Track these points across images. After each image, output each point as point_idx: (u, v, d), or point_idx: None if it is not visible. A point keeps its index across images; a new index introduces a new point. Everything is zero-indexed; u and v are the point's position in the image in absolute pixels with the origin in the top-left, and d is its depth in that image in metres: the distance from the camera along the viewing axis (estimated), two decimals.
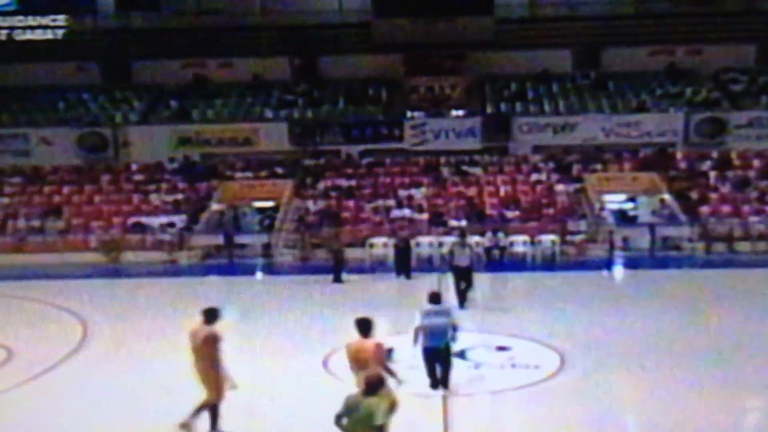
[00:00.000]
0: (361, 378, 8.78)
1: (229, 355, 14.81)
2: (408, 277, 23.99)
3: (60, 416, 11.82)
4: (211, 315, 10.75)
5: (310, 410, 11.77)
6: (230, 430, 10.95)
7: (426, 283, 19.16)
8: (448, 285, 18.16)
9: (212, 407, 10.73)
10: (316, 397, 12.32)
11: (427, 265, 25.83)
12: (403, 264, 24.53)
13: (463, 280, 18.95)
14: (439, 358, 12.52)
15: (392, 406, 8.92)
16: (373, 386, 8.30)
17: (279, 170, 34.52)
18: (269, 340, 16.14)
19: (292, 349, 15.42)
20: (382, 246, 27.82)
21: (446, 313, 12.86)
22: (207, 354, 10.58)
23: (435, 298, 13.11)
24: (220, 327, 10.77)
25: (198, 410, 10.70)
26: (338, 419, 8.35)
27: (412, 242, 26.41)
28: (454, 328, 12.69)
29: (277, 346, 15.59)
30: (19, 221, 31.35)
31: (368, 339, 9.98)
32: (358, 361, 9.73)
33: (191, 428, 10.69)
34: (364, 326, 10.04)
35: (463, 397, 11.96)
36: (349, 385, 12.31)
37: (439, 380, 12.70)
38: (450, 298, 15.74)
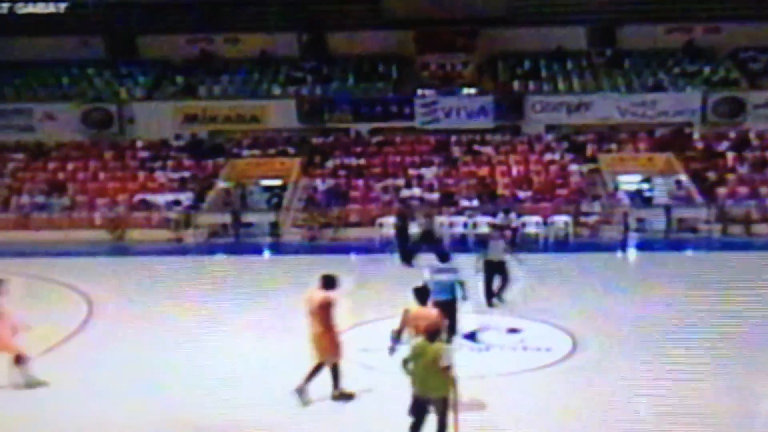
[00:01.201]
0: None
1: (238, 335, 15.07)
2: (408, 262, 22.69)
3: (63, 394, 11.87)
4: (328, 281, 11.47)
5: (320, 392, 11.82)
6: (249, 412, 11.09)
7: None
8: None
9: (333, 368, 11.50)
10: (326, 379, 12.37)
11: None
12: (403, 246, 23.61)
13: (498, 274, 17.02)
14: (445, 311, 12.68)
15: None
16: (436, 333, 9.47)
17: (287, 148, 34.50)
18: (277, 321, 16.13)
19: (300, 329, 15.34)
20: (393, 226, 27.76)
21: (453, 271, 14.05)
22: (322, 317, 11.29)
23: (443, 256, 14.52)
24: (333, 294, 11.40)
25: (312, 374, 11.40)
26: (405, 363, 9.50)
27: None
28: (462, 285, 13.86)
29: (285, 327, 15.54)
30: (23, 197, 31.44)
31: (427, 307, 10.92)
32: (416, 328, 10.46)
33: (305, 392, 11.35)
34: (422, 294, 10.94)
35: (473, 380, 11.93)
36: (360, 367, 12.51)
37: (447, 330, 12.85)
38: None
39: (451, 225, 27.74)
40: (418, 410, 9.46)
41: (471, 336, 14.70)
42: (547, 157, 33.13)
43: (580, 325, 15.16)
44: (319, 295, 11.41)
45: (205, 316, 16.72)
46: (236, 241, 28.73)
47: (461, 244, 26.58)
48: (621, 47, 38.18)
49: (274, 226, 29.47)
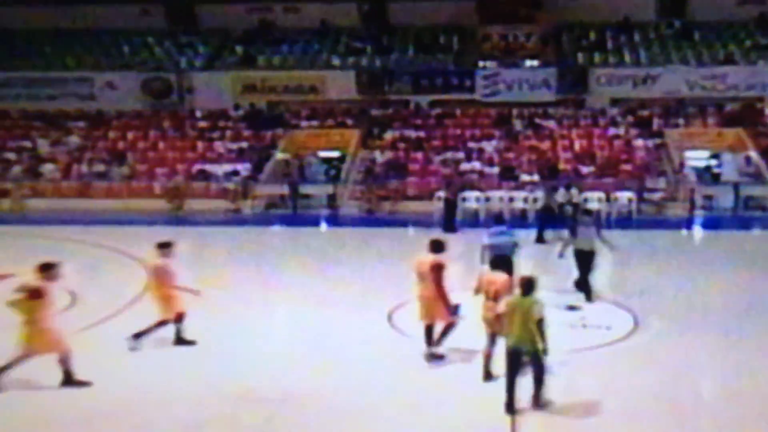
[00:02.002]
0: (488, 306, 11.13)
1: (293, 306, 15.24)
2: (452, 231, 23.11)
3: (123, 362, 12.15)
4: (438, 245, 12.11)
5: (373, 365, 11.97)
6: (296, 383, 11.20)
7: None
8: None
9: (446, 327, 12.04)
10: (378, 352, 12.52)
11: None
12: (448, 219, 24.29)
13: (587, 264, 15.87)
14: (503, 267, 13.02)
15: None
16: (529, 286, 10.14)
17: (345, 119, 34.56)
18: (332, 293, 16.28)
19: (355, 302, 15.56)
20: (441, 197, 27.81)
21: (510, 233, 15.33)
22: (433, 280, 11.83)
23: (500, 219, 17.15)
24: (443, 257, 12.01)
25: (429, 337, 12.07)
26: (498, 318, 10.47)
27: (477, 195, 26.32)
28: (516, 246, 14.96)
29: (340, 299, 15.71)
30: (83, 165, 32.05)
31: (500, 274, 11.51)
32: (487, 292, 11.35)
33: (435, 355, 12.03)
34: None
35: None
36: (411, 339, 12.58)
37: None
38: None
39: (511, 200, 27.54)
40: (513, 363, 10.09)
41: None
42: (612, 131, 32.71)
43: (642, 304, 15.01)
44: (430, 258, 11.97)
45: (260, 287, 16.92)
46: (293, 213, 28.86)
47: (521, 219, 26.40)
48: (691, 18, 37.34)
49: (332, 198, 29.56)
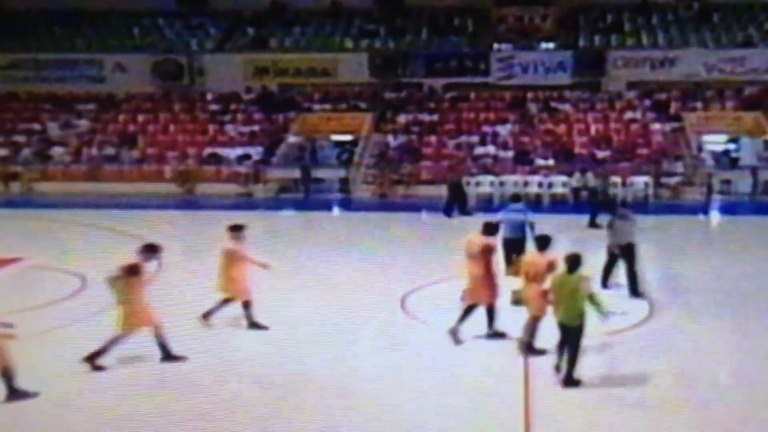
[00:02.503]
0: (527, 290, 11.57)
1: (304, 290, 15.26)
2: (448, 214, 24.02)
3: (133, 346, 12.18)
4: (490, 228, 12.62)
5: (385, 351, 12.03)
6: (309, 368, 11.27)
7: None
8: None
9: (489, 309, 12.32)
10: (391, 338, 12.57)
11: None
12: (453, 204, 24.48)
13: (626, 260, 15.24)
14: (515, 247, 15.08)
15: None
16: (575, 262, 10.55)
17: (358, 103, 34.50)
18: (345, 278, 16.28)
19: (368, 287, 15.55)
20: (465, 184, 27.73)
21: (524, 211, 16.37)
22: (482, 261, 12.18)
23: (516, 197, 18.00)
24: (493, 240, 12.51)
25: (465, 315, 12.30)
26: (544, 294, 11.04)
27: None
28: (531, 225, 15.46)
29: (353, 284, 15.72)
30: (93, 149, 32.13)
31: (544, 254, 11.67)
32: (526, 274, 11.62)
33: (457, 333, 12.22)
34: (543, 242, 11.87)
35: (545, 343, 11.91)
36: (424, 327, 12.62)
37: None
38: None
39: (525, 184, 27.48)
40: (562, 334, 10.71)
41: None
42: (628, 115, 32.57)
43: (658, 290, 14.96)
44: (481, 240, 12.36)
45: (272, 272, 16.94)
46: (306, 197, 28.92)
47: (535, 204, 26.33)
48: (709, 0, 37.05)
49: (345, 182, 29.65)
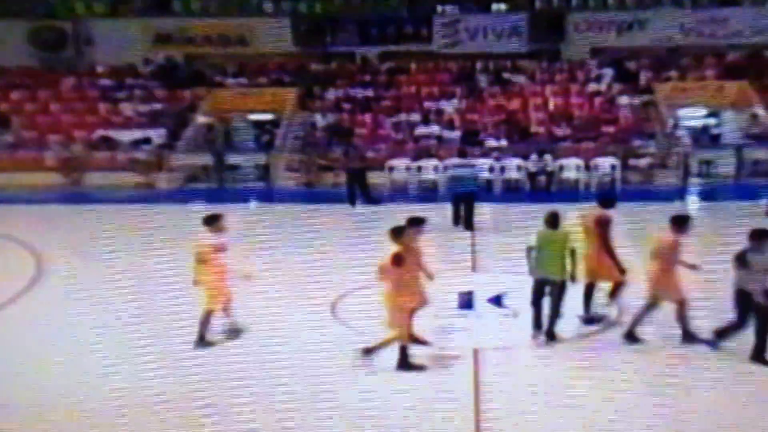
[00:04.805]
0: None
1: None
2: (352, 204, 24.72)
3: (8, 361, 12.08)
4: (607, 200, 13.71)
5: (310, 362, 12.01)
6: (217, 383, 11.26)
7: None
8: None
9: (615, 287, 13.41)
10: (318, 347, 12.57)
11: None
12: (356, 192, 24.98)
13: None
14: (464, 202, 19.71)
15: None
16: (556, 218, 12.40)
17: (280, 76, 34.39)
18: (266, 280, 16.03)
19: (292, 291, 15.38)
20: (405, 169, 27.72)
21: (471, 165, 20.70)
22: (598, 235, 13.12)
23: (462, 152, 22.49)
24: (610, 212, 13.36)
25: (613, 295, 13.47)
26: (529, 251, 12.52)
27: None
28: (477, 179, 20.27)
29: (275, 288, 15.49)
30: None
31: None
32: (652, 252, 12.58)
33: (594, 318, 13.35)
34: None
35: (499, 352, 11.87)
36: (358, 333, 12.52)
37: (464, 223, 20.25)
38: None
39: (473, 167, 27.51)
40: (539, 292, 12.52)
41: (496, 300, 14.60)
42: (592, 87, 32.87)
43: (628, 289, 14.94)
44: (596, 212, 13.33)
45: (179, 275, 16.65)
46: (219, 187, 28.82)
47: (486, 191, 26.38)
48: None
49: (265, 170, 29.52)
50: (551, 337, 12.52)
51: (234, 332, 13.08)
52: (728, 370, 11.68)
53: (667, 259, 12.52)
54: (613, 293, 13.48)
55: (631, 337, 12.51)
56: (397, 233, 11.79)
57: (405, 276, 11.46)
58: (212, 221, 13.09)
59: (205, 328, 12.81)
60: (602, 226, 13.10)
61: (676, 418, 10.28)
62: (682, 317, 12.53)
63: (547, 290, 12.49)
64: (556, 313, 12.51)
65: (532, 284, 12.61)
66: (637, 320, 12.55)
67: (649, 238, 12.96)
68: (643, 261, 12.90)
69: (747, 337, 11.90)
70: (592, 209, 13.40)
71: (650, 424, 10.14)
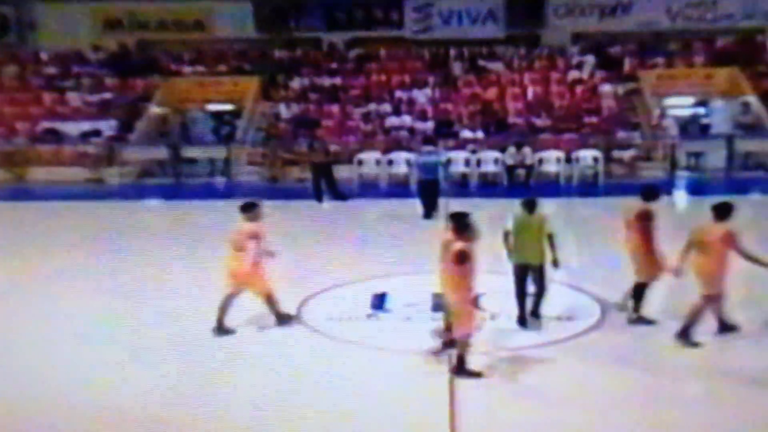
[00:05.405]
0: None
1: (174, 298, 14.95)
2: (319, 200, 24.95)
3: None
4: (650, 192, 13.68)
5: (280, 370, 11.95)
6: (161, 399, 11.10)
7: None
8: None
9: (640, 287, 13.47)
10: (287, 354, 12.60)
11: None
12: (322, 187, 25.12)
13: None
14: (430, 189, 21.81)
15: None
16: (533, 204, 13.30)
17: (241, 64, 34.41)
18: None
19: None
20: (375, 163, 27.77)
21: (437, 153, 22.89)
22: (639, 230, 13.33)
23: (428, 139, 25.35)
24: (654, 206, 13.51)
25: (635, 294, 13.53)
26: (506, 237, 13.32)
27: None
28: (445, 166, 22.52)
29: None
30: None
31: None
32: (700, 244, 12.65)
33: (625, 306, 13.71)
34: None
35: (475, 356, 11.91)
36: (328, 339, 12.58)
37: (428, 209, 21.74)
38: None
39: (449, 162, 27.56)
40: (521, 277, 13.30)
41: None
42: (573, 75, 33.02)
43: (612, 289, 15.05)
44: (638, 206, 13.52)
45: (132, 275, 16.63)
46: (175, 183, 28.83)
47: (461, 186, 26.47)
48: None
49: (225, 164, 29.54)
50: (536, 316, 13.40)
51: (284, 320, 13.72)
52: None
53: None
54: (639, 291, 13.48)
55: (684, 337, 12.57)
56: (463, 227, 11.80)
57: (471, 273, 11.55)
58: (249, 209, 13.63)
59: (224, 314, 13.40)
60: (644, 221, 13.28)
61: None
62: (717, 310, 12.78)
63: (530, 276, 13.26)
64: (541, 293, 13.34)
65: (512, 271, 13.28)
66: (694, 320, 12.59)
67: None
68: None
69: None
70: (633, 203, 13.61)
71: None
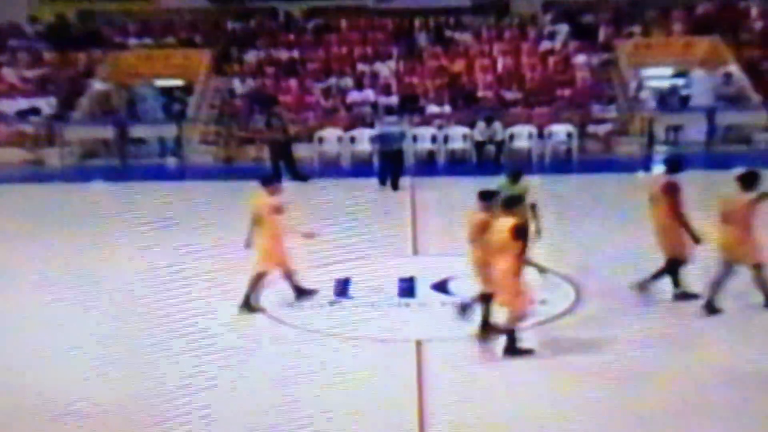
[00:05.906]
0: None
1: (122, 286, 14.95)
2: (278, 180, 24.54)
3: None
4: (675, 164, 14.01)
5: (245, 362, 12.02)
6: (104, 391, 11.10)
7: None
8: None
9: (671, 263, 13.58)
10: (250, 347, 12.64)
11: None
12: (281, 167, 24.98)
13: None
14: (392, 160, 23.02)
15: None
16: (518, 173, 14.40)
17: (192, 36, 34.34)
18: (179, 271, 15.99)
19: (211, 283, 15.30)
20: (336, 140, 27.76)
21: (399, 123, 24.10)
22: (667, 204, 13.41)
23: (390, 110, 26.48)
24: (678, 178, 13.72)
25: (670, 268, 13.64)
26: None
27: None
28: (404, 136, 23.75)
29: (191, 280, 15.45)
30: None
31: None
32: (725, 215, 13.01)
33: (647, 289, 13.74)
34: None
35: (447, 343, 11.95)
36: (290, 328, 12.65)
37: (392, 183, 22.91)
38: None
39: (414, 139, 27.59)
40: None
41: (441, 286, 14.68)
42: (545, 45, 33.12)
43: (586, 271, 15.15)
44: (663, 178, 13.79)
45: (69, 265, 16.57)
46: (121, 164, 28.71)
47: (428, 164, 26.48)
48: None
49: (176, 143, 29.49)
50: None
51: (304, 295, 14.16)
52: None
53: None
54: (671, 267, 13.62)
55: (710, 308, 12.93)
56: (513, 203, 12.15)
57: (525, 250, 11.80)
58: (270, 182, 14.33)
59: (254, 291, 13.79)
60: (671, 194, 13.38)
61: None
62: (761, 281, 12.95)
63: None
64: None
65: None
66: (715, 289, 12.97)
67: (719, 200, 13.28)
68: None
69: None
70: (657, 176, 13.87)
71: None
